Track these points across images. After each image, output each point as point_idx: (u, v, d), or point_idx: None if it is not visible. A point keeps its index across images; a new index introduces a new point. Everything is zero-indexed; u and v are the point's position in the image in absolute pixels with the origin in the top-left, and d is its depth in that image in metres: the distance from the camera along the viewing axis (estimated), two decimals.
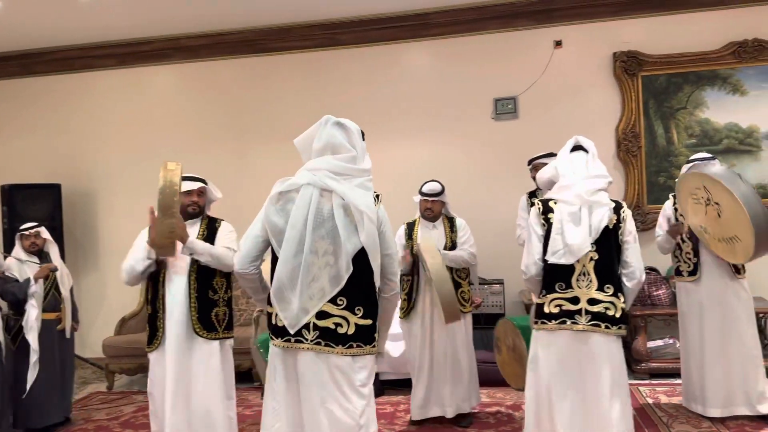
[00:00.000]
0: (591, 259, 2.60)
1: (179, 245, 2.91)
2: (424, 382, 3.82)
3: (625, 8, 5.23)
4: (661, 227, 3.86)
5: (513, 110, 5.44)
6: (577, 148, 2.84)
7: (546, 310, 2.66)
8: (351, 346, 2.16)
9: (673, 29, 5.17)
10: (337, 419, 2.12)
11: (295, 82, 5.81)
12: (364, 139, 2.33)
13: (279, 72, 5.83)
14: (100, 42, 5.94)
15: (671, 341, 4.76)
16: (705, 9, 5.11)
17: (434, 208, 3.90)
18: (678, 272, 3.84)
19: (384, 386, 4.60)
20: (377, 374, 4.53)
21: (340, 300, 2.16)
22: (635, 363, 4.74)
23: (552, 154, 4.37)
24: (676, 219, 3.79)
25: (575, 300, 2.60)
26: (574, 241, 2.57)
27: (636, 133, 5.21)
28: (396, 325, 4.25)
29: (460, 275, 3.84)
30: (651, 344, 4.75)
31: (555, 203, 2.70)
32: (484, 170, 5.43)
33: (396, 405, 4.35)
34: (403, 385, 4.31)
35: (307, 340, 2.15)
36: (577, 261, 2.60)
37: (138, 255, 2.98)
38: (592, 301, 2.58)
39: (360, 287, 2.19)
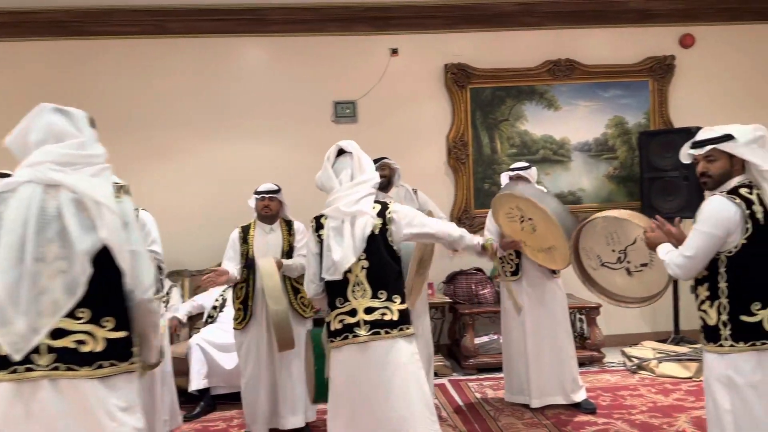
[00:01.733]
0: (362, 268, 2.55)
1: None
2: (265, 396, 3.65)
3: (455, 22, 5.49)
4: (489, 231, 4.08)
5: (352, 114, 5.45)
6: (342, 152, 2.72)
7: (332, 327, 2.58)
8: (101, 366, 1.82)
9: (498, 45, 5.54)
10: None
11: (116, 71, 5.27)
12: (94, 127, 2.01)
13: (97, 59, 5.26)
14: None
15: (495, 337, 5.07)
16: (525, 28, 5.55)
17: (272, 207, 3.74)
18: (504, 273, 4.08)
19: (216, 401, 4.33)
20: (208, 389, 4.25)
21: (81, 312, 1.82)
22: (464, 359, 4.98)
23: (383, 158, 4.41)
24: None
25: (353, 312, 2.53)
26: (336, 257, 2.52)
27: (465, 142, 5.50)
28: (229, 336, 4.03)
29: (299, 280, 3.72)
30: (478, 340, 5.03)
31: (326, 219, 2.63)
32: None
33: (229, 420, 4.11)
34: (236, 399, 4.07)
35: (39, 366, 1.78)
36: (350, 272, 2.54)
37: None
38: (369, 310, 2.53)
39: (107, 294, 1.86)
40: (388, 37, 5.48)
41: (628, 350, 5.09)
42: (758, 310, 2.26)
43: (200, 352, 4.23)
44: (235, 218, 4.11)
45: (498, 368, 4.86)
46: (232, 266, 3.70)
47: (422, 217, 2.70)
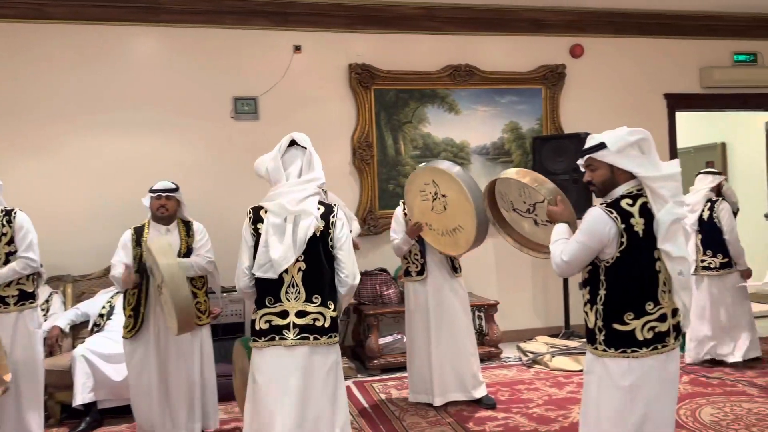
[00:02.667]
0: (299, 269, 2.50)
1: None
2: (159, 407, 3.42)
3: (356, 22, 5.46)
4: (395, 231, 4.09)
5: (254, 111, 5.27)
6: (293, 143, 2.63)
7: (257, 326, 2.49)
8: None
9: (401, 48, 5.59)
10: None
11: None
12: None
13: None
14: None
15: (399, 337, 5.10)
16: (427, 32, 5.63)
17: (169, 206, 3.52)
18: (407, 273, 4.12)
19: (103, 415, 4.01)
20: (94, 403, 3.94)
21: None
22: (368, 360, 4.97)
23: None
24: (406, 223, 4.05)
25: (284, 314, 2.48)
26: (275, 255, 2.44)
27: (369, 143, 5.49)
28: (117, 345, 3.76)
29: (196, 284, 3.52)
30: (382, 341, 5.03)
31: (266, 212, 2.54)
32: (224, 172, 5.14)
33: None
34: (125, 412, 3.80)
35: None
36: (286, 272, 2.48)
37: None
38: (301, 314, 2.48)
39: None
40: (290, 33, 5.36)
41: (524, 345, 5.31)
42: (631, 320, 2.24)
43: (85, 364, 3.90)
44: (125, 219, 3.87)
45: (402, 368, 4.89)
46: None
47: (349, 243, 2.63)
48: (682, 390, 4.21)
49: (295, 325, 2.47)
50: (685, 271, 2.23)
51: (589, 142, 2.36)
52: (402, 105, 5.58)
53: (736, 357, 4.65)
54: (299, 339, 2.46)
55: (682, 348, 5.19)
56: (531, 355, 5.06)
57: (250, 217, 2.59)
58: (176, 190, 3.57)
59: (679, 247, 2.22)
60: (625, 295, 2.26)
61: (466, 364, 4.05)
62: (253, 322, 2.54)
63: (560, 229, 2.43)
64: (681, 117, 6.39)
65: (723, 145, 8.54)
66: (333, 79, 5.48)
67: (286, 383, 2.46)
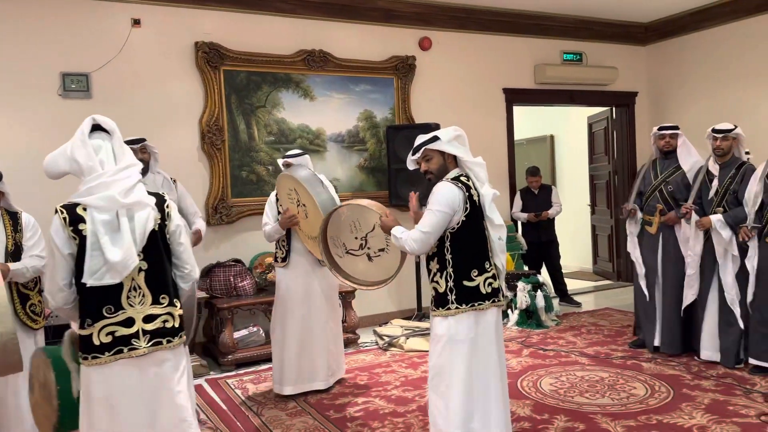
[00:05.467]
0: (140, 270, 2.23)
1: None
2: None
3: None
4: (268, 217, 4.01)
5: (85, 88, 4.74)
6: (96, 128, 2.27)
7: (96, 341, 2.17)
8: None
9: (252, 28, 5.36)
10: None
11: None
12: None
13: None
14: None
15: (255, 329, 4.94)
16: (280, 14, 5.45)
17: None
18: (276, 259, 4.06)
19: None
20: None
21: None
22: (222, 356, 4.75)
23: (141, 140, 4.02)
24: (279, 211, 3.95)
25: (129, 322, 2.20)
26: (116, 258, 2.12)
27: (220, 127, 5.21)
28: None
29: (27, 285, 3.10)
30: (237, 335, 4.84)
31: (85, 210, 2.17)
32: None
33: None
34: None
35: None
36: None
37: None
38: (149, 318, 2.24)
39: None
40: (128, 5, 4.90)
41: (379, 329, 5.42)
42: (476, 276, 2.71)
43: None
44: None
45: (259, 361, 4.76)
46: None
47: (186, 233, 2.45)
48: (523, 363, 4.57)
49: (145, 332, 2.22)
50: (503, 236, 2.81)
51: (418, 141, 2.82)
52: (254, 88, 5.37)
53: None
54: (152, 346, 2.23)
55: (504, 316, 5.67)
56: (387, 339, 5.18)
57: (64, 218, 2.17)
58: None
59: (498, 217, 2.80)
60: (470, 256, 2.73)
61: (334, 351, 4.07)
62: (86, 337, 2.18)
63: (398, 229, 2.81)
64: (517, 110, 6.88)
65: (552, 137, 9.39)
66: (177, 58, 5.11)
67: (138, 395, 2.23)
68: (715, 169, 4.26)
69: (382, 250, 3.08)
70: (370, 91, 5.87)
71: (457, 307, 2.69)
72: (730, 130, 4.15)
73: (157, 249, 2.28)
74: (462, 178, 2.75)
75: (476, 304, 2.70)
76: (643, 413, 3.53)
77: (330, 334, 4.03)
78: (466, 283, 2.69)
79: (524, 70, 6.75)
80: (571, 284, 7.03)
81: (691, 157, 4.46)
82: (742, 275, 4.11)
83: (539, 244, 6.46)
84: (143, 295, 2.24)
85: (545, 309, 5.62)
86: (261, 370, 4.64)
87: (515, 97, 6.72)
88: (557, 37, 6.88)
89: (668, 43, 7.20)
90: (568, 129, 8.92)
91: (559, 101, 7.19)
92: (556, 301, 5.83)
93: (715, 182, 4.22)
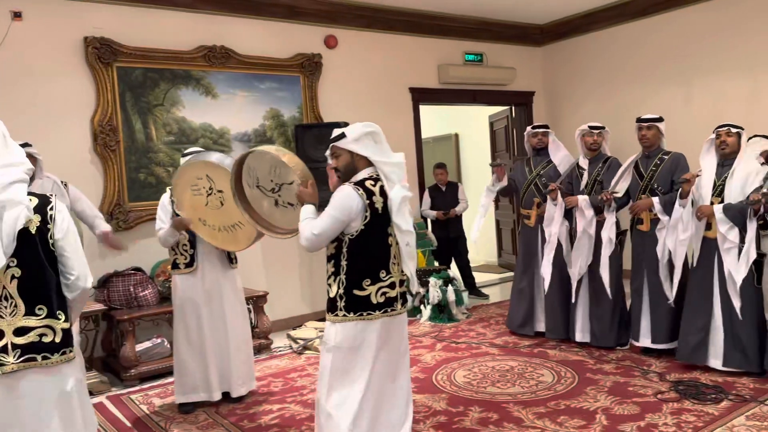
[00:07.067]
0: (12, 277, 2.02)
1: None
2: None
3: None
4: (162, 221, 3.74)
5: None
6: None
7: None
8: None
9: (148, 22, 5.07)
10: None
11: None
12: None
13: None
14: None
15: (159, 340, 4.68)
16: (177, 9, 5.19)
17: None
18: (175, 265, 3.80)
19: None
20: None
21: None
22: (124, 371, 4.46)
23: (24, 144, 3.70)
24: (175, 213, 3.71)
25: None
26: None
27: (114, 127, 4.89)
28: None
29: None
30: (140, 347, 4.55)
31: None
32: None
33: None
34: None
35: None
36: None
37: None
38: (21, 331, 2.02)
39: None
40: None
41: (293, 333, 5.31)
42: (368, 285, 2.63)
43: None
44: None
45: (165, 374, 4.51)
46: None
47: (75, 238, 2.16)
48: (437, 357, 4.63)
49: (15, 346, 1.99)
50: (411, 242, 2.69)
51: (333, 134, 2.72)
52: (151, 86, 5.08)
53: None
54: (22, 362, 2.00)
55: (417, 312, 5.76)
56: (301, 342, 5.08)
57: None
58: None
59: (407, 222, 2.66)
60: (364, 265, 2.64)
61: (243, 358, 3.90)
62: None
63: (308, 209, 2.68)
64: (423, 110, 6.98)
65: (456, 135, 9.63)
66: (65, 53, 4.74)
67: (7, 422, 1.98)
68: (584, 163, 4.67)
69: (291, 204, 2.87)
70: (276, 89, 5.73)
71: (344, 315, 2.62)
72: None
73: (34, 255, 2.04)
74: (368, 183, 2.62)
75: (364, 314, 2.62)
76: (552, 399, 3.67)
77: (239, 340, 3.87)
78: (356, 291, 2.62)
79: (429, 70, 6.86)
80: (479, 277, 7.25)
81: (560, 152, 4.93)
82: (616, 262, 4.46)
83: (448, 240, 6.60)
84: (15, 306, 2.01)
85: (456, 303, 5.74)
86: (168, 382, 4.39)
87: (421, 96, 6.82)
88: (459, 38, 7.04)
89: (562, 44, 7.57)
90: (472, 127, 9.17)
91: (462, 100, 7.37)
92: (465, 295, 5.97)
93: (585, 176, 4.61)
